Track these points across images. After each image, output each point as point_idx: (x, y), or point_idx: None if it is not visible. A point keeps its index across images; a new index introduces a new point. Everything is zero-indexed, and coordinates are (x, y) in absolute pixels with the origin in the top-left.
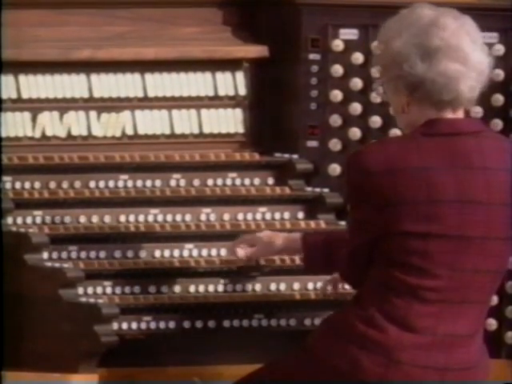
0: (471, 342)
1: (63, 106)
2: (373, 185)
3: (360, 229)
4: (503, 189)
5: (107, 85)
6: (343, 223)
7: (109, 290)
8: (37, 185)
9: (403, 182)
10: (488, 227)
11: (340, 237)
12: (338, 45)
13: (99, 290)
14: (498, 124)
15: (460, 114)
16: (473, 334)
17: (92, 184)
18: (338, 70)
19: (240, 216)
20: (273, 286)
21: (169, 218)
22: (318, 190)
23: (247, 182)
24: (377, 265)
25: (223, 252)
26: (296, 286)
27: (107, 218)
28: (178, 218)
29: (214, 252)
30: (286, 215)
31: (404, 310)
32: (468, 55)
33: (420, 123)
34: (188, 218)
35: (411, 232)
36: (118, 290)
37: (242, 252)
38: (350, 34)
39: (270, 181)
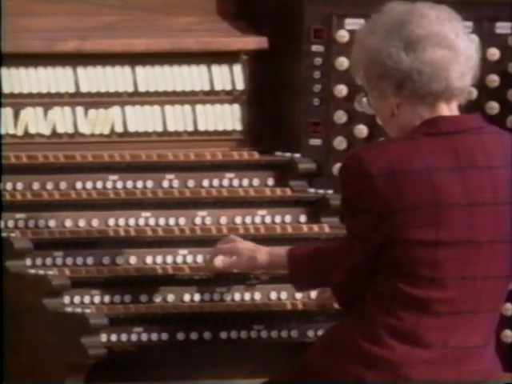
0: (484, 352)
1: (48, 101)
2: (375, 190)
3: (361, 241)
4: (509, 187)
5: (95, 79)
6: None
7: (97, 299)
8: (19, 186)
9: (407, 185)
10: (496, 229)
11: (330, 251)
12: (342, 36)
13: (87, 299)
14: None
15: (455, 108)
16: (485, 344)
17: (79, 185)
18: (342, 62)
19: (238, 219)
20: (273, 295)
21: (161, 221)
22: (321, 191)
23: (245, 182)
24: (380, 277)
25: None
26: (298, 294)
27: (95, 222)
28: (172, 221)
29: None
30: (288, 218)
31: (412, 324)
32: (453, 41)
33: (413, 124)
34: (182, 221)
35: (418, 240)
36: (106, 298)
37: (219, 262)
38: (356, 24)
39: (270, 182)
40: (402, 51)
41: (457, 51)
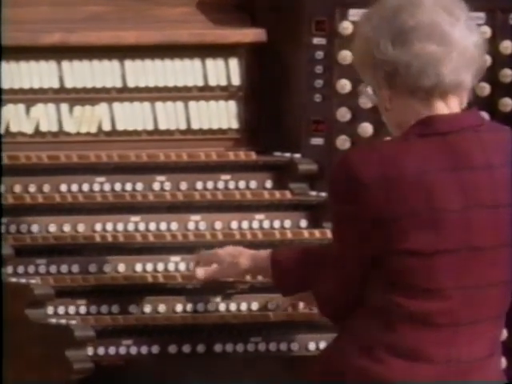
0: (489, 362)
1: (30, 97)
2: (366, 197)
3: (353, 252)
4: (510, 188)
5: (81, 73)
6: None
7: (83, 310)
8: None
9: (400, 191)
10: (497, 233)
11: (317, 256)
12: (346, 27)
13: (72, 309)
14: None
15: (454, 105)
16: (491, 354)
17: (63, 187)
18: (346, 56)
19: (234, 224)
20: (271, 305)
21: (152, 226)
22: (323, 194)
23: (242, 185)
24: (374, 289)
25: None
26: (299, 305)
27: (81, 227)
28: (163, 226)
29: None
30: (287, 223)
31: (412, 339)
32: (445, 33)
33: (408, 120)
34: (174, 226)
35: (413, 249)
36: (93, 309)
37: (200, 273)
38: (361, 15)
39: (269, 184)
40: (390, 43)
41: (449, 45)
